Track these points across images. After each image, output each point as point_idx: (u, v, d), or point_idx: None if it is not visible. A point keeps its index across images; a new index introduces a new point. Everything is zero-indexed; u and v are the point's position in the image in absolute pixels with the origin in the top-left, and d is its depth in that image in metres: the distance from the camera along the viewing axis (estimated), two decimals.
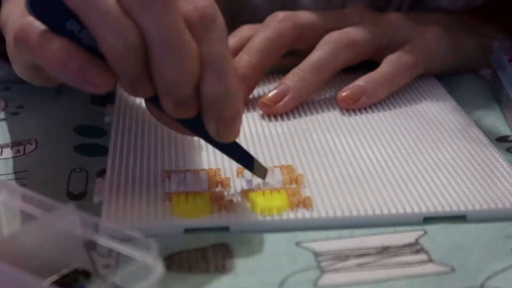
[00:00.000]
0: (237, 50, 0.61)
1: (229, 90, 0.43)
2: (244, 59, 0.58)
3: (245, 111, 0.58)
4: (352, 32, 0.60)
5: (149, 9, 0.41)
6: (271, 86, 0.61)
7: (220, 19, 0.44)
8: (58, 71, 0.42)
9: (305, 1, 0.71)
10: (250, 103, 0.59)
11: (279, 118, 0.57)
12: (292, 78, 0.58)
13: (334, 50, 0.59)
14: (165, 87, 0.43)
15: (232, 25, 0.64)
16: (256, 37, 0.59)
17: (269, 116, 0.57)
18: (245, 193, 0.47)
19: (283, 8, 0.71)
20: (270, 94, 0.58)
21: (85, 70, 0.42)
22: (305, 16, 0.61)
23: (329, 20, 0.61)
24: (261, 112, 0.58)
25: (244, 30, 0.63)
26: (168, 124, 0.48)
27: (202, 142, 0.52)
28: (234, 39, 0.62)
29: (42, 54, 0.42)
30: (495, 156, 0.52)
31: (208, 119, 0.44)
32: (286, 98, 0.57)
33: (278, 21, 0.60)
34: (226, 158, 0.51)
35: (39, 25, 0.42)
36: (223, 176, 0.49)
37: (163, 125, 0.49)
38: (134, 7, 0.41)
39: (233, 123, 0.45)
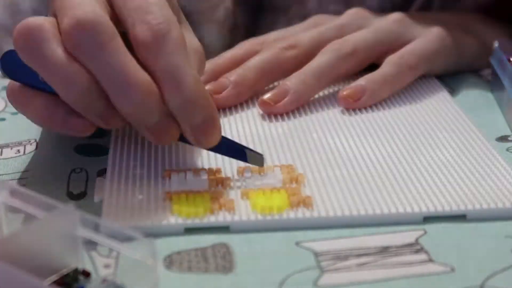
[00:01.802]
0: (237, 60, 0.61)
1: (188, 98, 0.45)
2: (239, 71, 0.59)
3: (246, 111, 0.58)
4: (353, 40, 0.60)
5: (89, 56, 0.44)
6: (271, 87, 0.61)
7: (174, 32, 0.45)
8: (44, 125, 0.48)
9: None
10: (250, 103, 0.59)
11: (279, 118, 0.57)
12: (293, 81, 0.58)
13: (336, 59, 0.59)
14: (132, 120, 0.45)
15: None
16: (256, 57, 0.60)
17: (268, 115, 0.57)
18: (245, 192, 0.47)
19: None
20: (270, 93, 0.58)
21: (67, 121, 0.46)
22: (305, 40, 0.61)
23: (329, 35, 0.61)
24: (261, 112, 0.58)
25: (249, 43, 0.63)
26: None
27: None
28: (237, 50, 0.62)
29: (28, 111, 0.47)
30: (495, 155, 0.52)
31: (184, 130, 0.46)
32: (286, 99, 0.57)
33: (280, 48, 0.60)
34: (226, 157, 0.51)
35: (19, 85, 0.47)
36: (223, 175, 0.49)
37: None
38: (79, 54, 0.44)
39: (208, 128, 0.46)
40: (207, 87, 0.57)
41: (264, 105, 0.57)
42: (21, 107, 0.48)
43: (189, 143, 0.48)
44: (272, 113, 0.57)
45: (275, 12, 0.63)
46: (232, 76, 0.58)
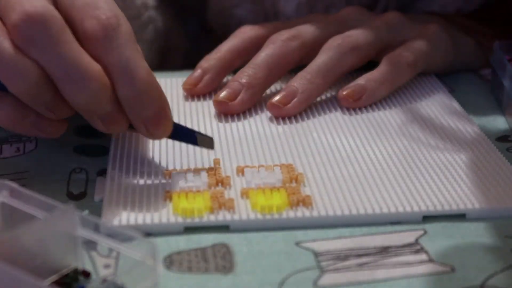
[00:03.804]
0: (240, 51, 0.61)
1: (140, 90, 0.46)
2: (249, 71, 0.58)
3: (246, 111, 0.58)
4: (355, 36, 0.60)
5: (40, 49, 0.44)
6: (273, 88, 0.61)
7: (124, 26, 0.46)
8: (14, 130, 0.48)
9: (288, 11, 0.71)
10: None
11: (279, 117, 0.57)
12: (299, 81, 0.58)
13: (339, 55, 0.59)
14: (83, 110, 0.46)
15: (224, 34, 0.64)
16: (261, 53, 0.59)
17: (277, 118, 0.57)
18: (245, 191, 0.47)
19: (266, 17, 0.71)
20: (278, 96, 0.57)
21: (37, 124, 0.47)
22: (308, 32, 0.61)
23: (331, 30, 0.61)
24: (261, 111, 0.58)
25: (245, 30, 0.62)
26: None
27: None
28: (235, 39, 0.62)
29: None
30: (494, 155, 0.52)
31: (135, 123, 0.47)
32: (295, 100, 0.57)
33: (284, 40, 0.59)
34: (226, 156, 0.51)
35: None
36: (223, 174, 0.49)
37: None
38: (28, 49, 0.44)
39: (160, 120, 0.47)
40: (222, 94, 0.57)
41: (273, 108, 0.57)
42: None
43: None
44: (281, 115, 0.57)
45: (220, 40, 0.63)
46: (243, 78, 0.58)
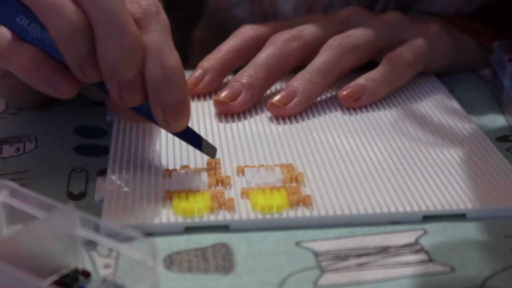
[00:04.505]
0: (240, 51, 0.61)
1: (169, 74, 0.46)
2: (250, 71, 0.58)
3: (246, 110, 0.58)
4: (355, 36, 0.60)
5: None
6: (273, 88, 0.61)
7: (163, 16, 0.47)
8: (28, 78, 0.46)
9: (286, 11, 0.71)
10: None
11: (280, 117, 0.57)
12: (299, 81, 0.58)
13: (339, 54, 0.59)
14: (109, 69, 0.45)
15: (222, 36, 0.64)
16: (262, 53, 0.59)
17: (277, 118, 0.57)
18: (245, 191, 0.47)
19: (265, 17, 0.71)
20: (278, 96, 0.57)
21: (51, 78, 0.46)
22: (309, 32, 0.61)
23: (332, 30, 0.61)
24: (261, 111, 0.58)
25: (246, 30, 0.62)
26: (126, 117, 0.52)
27: None
28: (236, 39, 0.62)
29: (13, 62, 0.46)
30: (494, 155, 0.52)
31: (154, 107, 0.47)
32: (295, 100, 0.57)
33: (285, 40, 0.59)
34: (226, 156, 0.51)
35: (8, 34, 0.46)
36: (223, 174, 0.49)
37: (122, 119, 0.52)
38: None
39: (179, 110, 0.47)
40: (223, 94, 0.57)
41: (273, 108, 0.57)
42: (7, 57, 0.47)
43: (153, 122, 0.48)
44: (281, 115, 0.57)
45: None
46: (244, 79, 0.58)
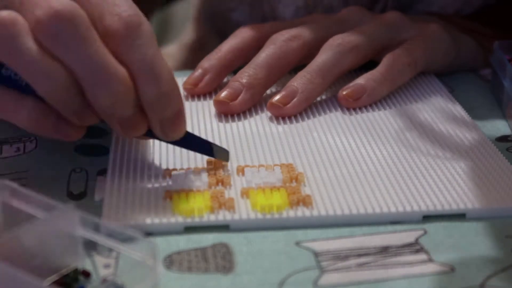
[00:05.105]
0: (240, 51, 0.61)
1: (164, 90, 0.45)
2: (250, 71, 0.58)
3: (246, 110, 0.58)
4: (355, 36, 0.60)
5: (68, 48, 0.43)
6: (273, 88, 0.61)
7: (146, 25, 0.45)
8: (38, 129, 0.46)
9: (286, 15, 0.71)
10: None
11: (279, 117, 0.57)
12: (299, 81, 0.58)
13: (339, 54, 0.59)
14: (105, 113, 0.45)
15: (220, 38, 0.64)
16: (262, 53, 0.59)
17: (277, 118, 0.57)
18: (245, 191, 0.47)
19: (264, 21, 0.71)
20: (278, 96, 0.57)
21: (58, 126, 0.46)
22: (308, 32, 0.60)
23: (331, 30, 0.61)
24: (261, 111, 0.58)
25: (245, 30, 0.62)
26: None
27: None
28: (235, 39, 0.62)
29: (18, 117, 0.46)
30: (494, 155, 0.52)
31: (152, 122, 0.46)
32: (295, 100, 0.57)
33: (285, 40, 0.59)
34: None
35: (7, 91, 0.45)
36: (223, 174, 0.49)
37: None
38: (54, 48, 0.43)
39: (176, 121, 0.47)
40: (223, 94, 0.57)
41: (273, 108, 0.57)
42: (9, 113, 0.46)
43: (153, 137, 0.48)
44: (281, 115, 0.57)
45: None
46: (244, 78, 0.58)
